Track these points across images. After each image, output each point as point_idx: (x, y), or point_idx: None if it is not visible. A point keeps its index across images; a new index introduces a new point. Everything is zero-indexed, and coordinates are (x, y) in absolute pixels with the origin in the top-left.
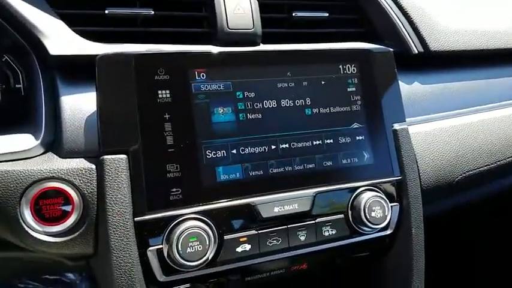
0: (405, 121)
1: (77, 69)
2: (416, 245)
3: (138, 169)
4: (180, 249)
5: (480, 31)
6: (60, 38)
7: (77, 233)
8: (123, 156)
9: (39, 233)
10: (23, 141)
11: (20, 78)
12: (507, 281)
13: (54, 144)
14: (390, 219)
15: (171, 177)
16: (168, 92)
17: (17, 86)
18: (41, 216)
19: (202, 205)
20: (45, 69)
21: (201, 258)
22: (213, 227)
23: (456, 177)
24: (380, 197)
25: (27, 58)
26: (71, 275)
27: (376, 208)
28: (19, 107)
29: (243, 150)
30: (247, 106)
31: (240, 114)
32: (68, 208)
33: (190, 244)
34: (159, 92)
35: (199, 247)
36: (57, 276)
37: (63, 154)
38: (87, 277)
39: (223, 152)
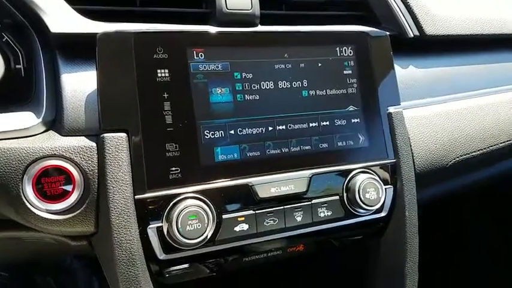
0: (400, 105)
1: (78, 48)
2: (409, 227)
3: (138, 147)
4: (179, 227)
5: (475, 17)
6: (61, 16)
7: (79, 211)
8: (123, 134)
9: (41, 210)
10: (25, 119)
11: (20, 59)
12: (499, 265)
13: (55, 122)
14: (384, 201)
15: (170, 156)
16: (166, 71)
17: (17, 66)
18: (43, 193)
19: (200, 184)
20: (46, 48)
21: (200, 236)
22: (212, 206)
23: (450, 161)
24: (374, 179)
25: (27, 37)
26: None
27: (371, 190)
28: (20, 87)
29: (240, 131)
30: (245, 87)
31: (238, 95)
32: (69, 186)
33: (189, 222)
34: (158, 71)
35: (199, 225)
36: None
37: (64, 132)
38: (88, 264)
39: (221, 133)
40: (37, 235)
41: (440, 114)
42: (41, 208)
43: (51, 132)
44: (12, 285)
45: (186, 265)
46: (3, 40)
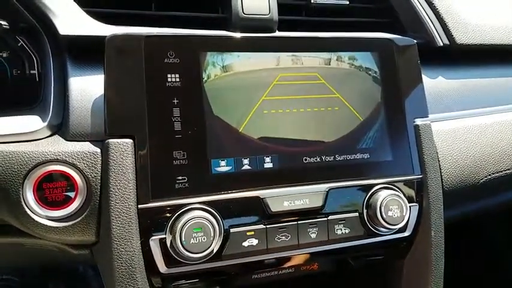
0: (428, 117)
1: (87, 52)
2: (435, 249)
3: (143, 154)
4: (183, 239)
5: (509, 26)
6: (70, 19)
7: (79, 219)
8: (129, 140)
9: (41, 216)
10: (30, 123)
11: (34, 64)
12: None
13: (61, 127)
14: (408, 220)
15: (177, 164)
16: (177, 76)
17: (31, 72)
18: (44, 199)
19: (208, 195)
20: (56, 52)
21: (205, 251)
22: (219, 219)
23: (481, 179)
24: (398, 196)
25: (40, 41)
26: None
27: (394, 207)
28: (30, 91)
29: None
30: None
31: None
32: (72, 192)
33: (194, 235)
34: (168, 75)
35: (204, 238)
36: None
37: (69, 137)
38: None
39: None
40: (38, 242)
41: (471, 128)
42: (40, 214)
43: (56, 136)
44: None
45: (190, 280)
46: (19, 45)
